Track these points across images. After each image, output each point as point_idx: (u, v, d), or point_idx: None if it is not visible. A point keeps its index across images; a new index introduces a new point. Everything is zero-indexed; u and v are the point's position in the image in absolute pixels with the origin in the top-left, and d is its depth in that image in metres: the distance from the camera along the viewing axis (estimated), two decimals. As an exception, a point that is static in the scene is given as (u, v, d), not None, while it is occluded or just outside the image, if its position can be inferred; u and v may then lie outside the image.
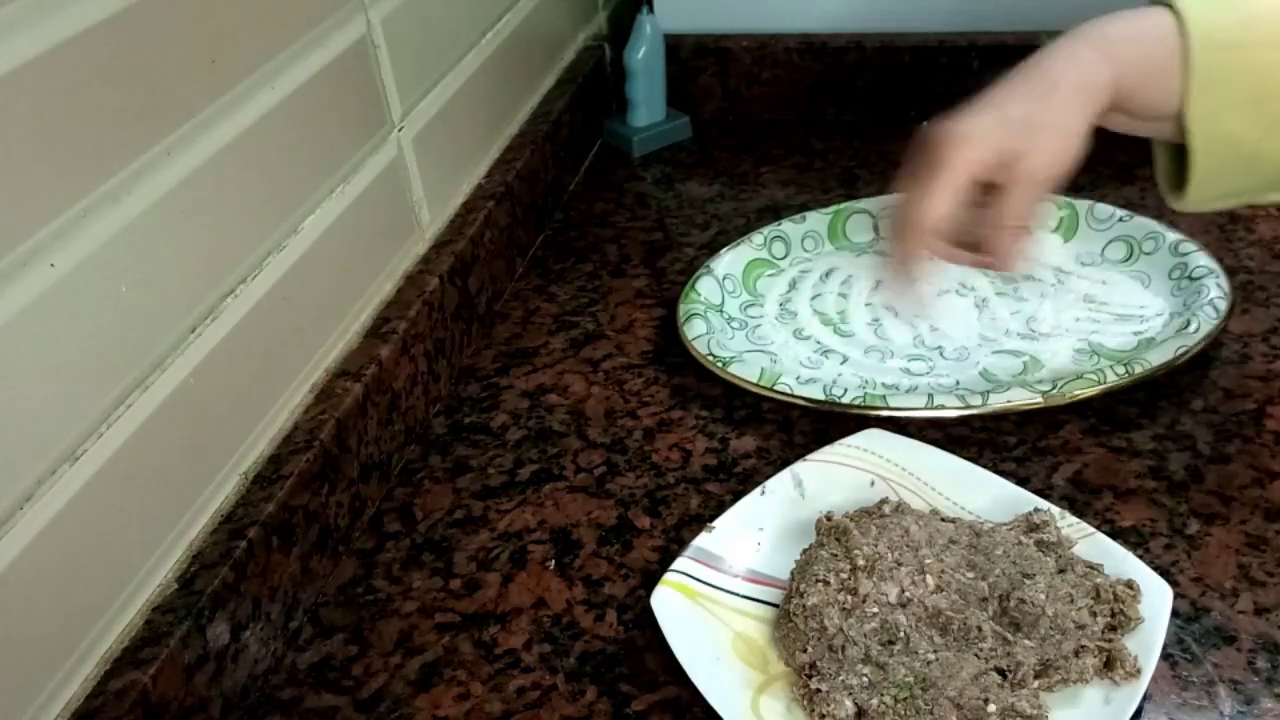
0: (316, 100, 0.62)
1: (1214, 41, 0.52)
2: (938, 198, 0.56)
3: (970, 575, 0.52)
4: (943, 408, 0.65)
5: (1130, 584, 0.52)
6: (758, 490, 0.60)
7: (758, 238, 0.85)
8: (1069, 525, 0.56)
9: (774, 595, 0.56)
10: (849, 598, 0.51)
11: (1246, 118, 0.53)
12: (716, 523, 0.58)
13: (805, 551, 0.55)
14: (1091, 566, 0.53)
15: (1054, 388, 0.66)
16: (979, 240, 0.59)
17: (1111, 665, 0.49)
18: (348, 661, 0.56)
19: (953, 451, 0.62)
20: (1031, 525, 0.55)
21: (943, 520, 0.56)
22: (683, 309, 0.77)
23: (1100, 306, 0.76)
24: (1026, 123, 0.55)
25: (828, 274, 0.83)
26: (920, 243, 0.58)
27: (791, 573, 0.54)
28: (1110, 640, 0.50)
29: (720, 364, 0.71)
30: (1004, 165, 0.55)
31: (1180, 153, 0.57)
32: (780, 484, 0.61)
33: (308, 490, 0.58)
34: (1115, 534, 0.56)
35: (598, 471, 0.67)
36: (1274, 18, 0.53)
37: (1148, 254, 0.79)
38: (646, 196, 0.99)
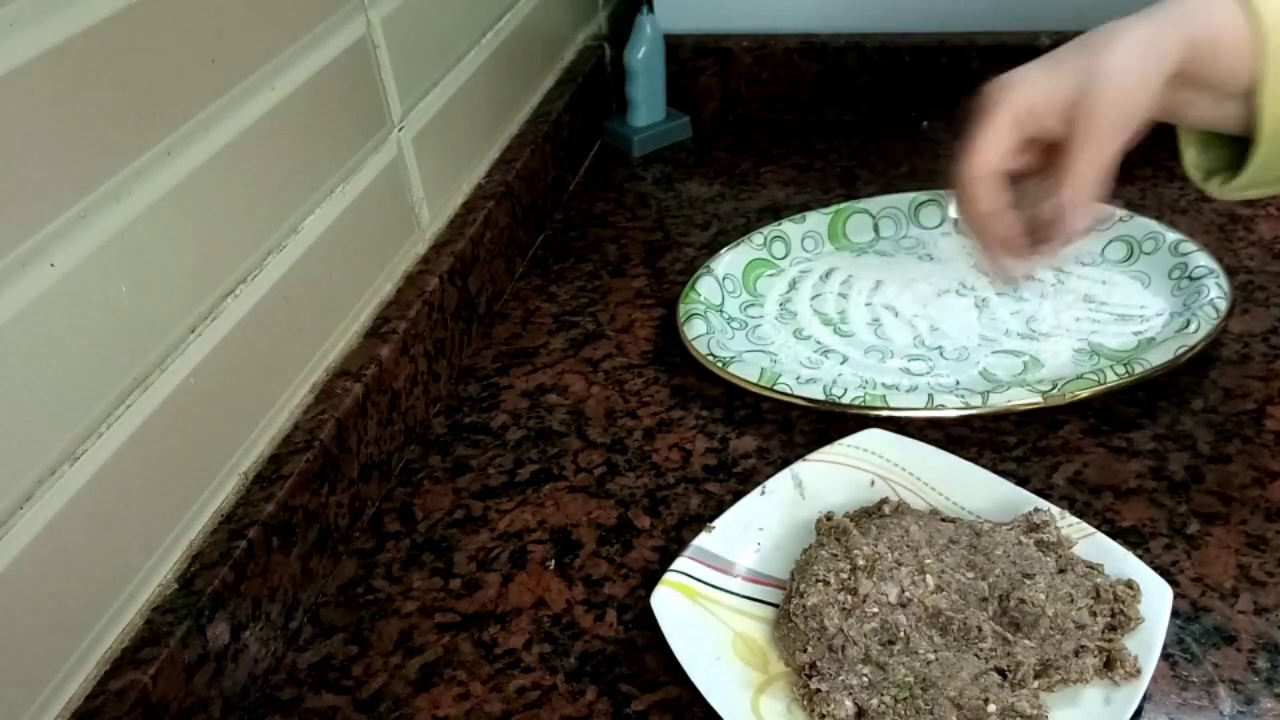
0: (316, 100, 0.62)
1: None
2: (986, 140, 0.52)
3: (970, 575, 0.52)
4: (943, 408, 0.66)
5: (1130, 584, 0.52)
6: (758, 490, 0.60)
7: (758, 238, 0.85)
8: (1069, 525, 0.56)
9: (774, 595, 0.56)
10: (849, 598, 0.51)
11: None
12: (716, 523, 0.58)
13: (805, 551, 0.55)
14: (1091, 566, 0.53)
15: (1054, 388, 0.66)
16: (1040, 225, 0.54)
17: (1111, 665, 0.49)
18: (348, 661, 0.56)
19: (953, 451, 0.62)
20: (1031, 525, 0.55)
21: (943, 520, 0.56)
22: (683, 309, 0.77)
23: (1100, 306, 0.76)
24: (1085, 69, 0.51)
25: (828, 274, 0.83)
26: (979, 198, 0.54)
27: (791, 573, 0.54)
28: (1110, 640, 0.50)
29: (720, 364, 0.71)
30: (1060, 112, 0.52)
31: (1222, 140, 0.56)
32: (780, 484, 0.61)
33: (308, 490, 0.58)
34: (1115, 534, 0.56)
35: (598, 471, 0.67)
36: None
37: (1148, 254, 0.79)
38: (646, 196, 0.99)
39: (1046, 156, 0.55)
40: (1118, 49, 0.51)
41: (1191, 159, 0.60)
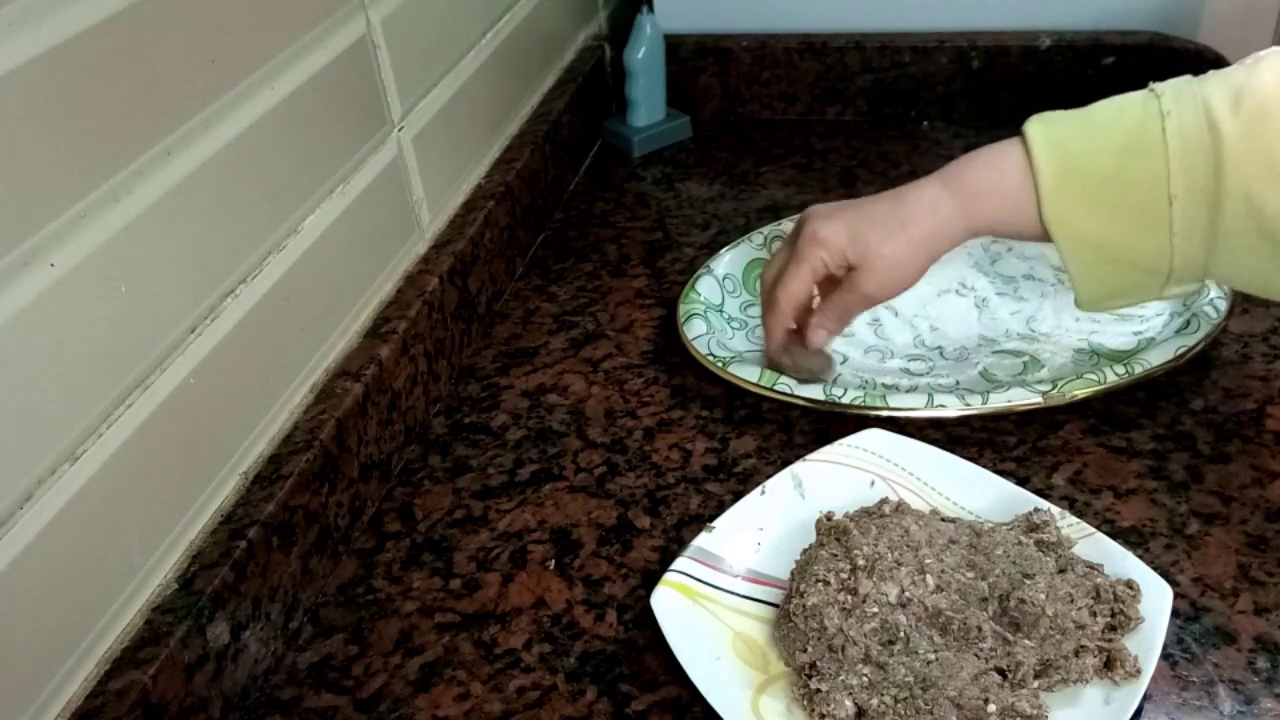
0: (316, 100, 0.62)
1: (1057, 153, 0.58)
2: (794, 284, 0.66)
3: (970, 575, 0.52)
4: (943, 408, 0.65)
5: (1130, 584, 0.52)
6: (758, 490, 0.60)
7: (758, 238, 0.85)
8: (1069, 525, 0.56)
9: (774, 595, 0.56)
10: (849, 598, 0.51)
11: (1101, 220, 0.58)
12: (716, 523, 0.58)
13: (805, 551, 0.55)
14: (1091, 566, 0.53)
15: (1054, 388, 0.66)
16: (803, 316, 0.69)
17: (1111, 665, 0.49)
18: (348, 661, 0.56)
19: (953, 451, 0.62)
20: (1031, 525, 0.55)
21: (943, 520, 0.56)
22: (683, 309, 0.77)
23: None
24: (871, 247, 0.63)
25: (828, 274, 0.83)
26: (778, 318, 0.68)
27: (791, 573, 0.54)
28: (1110, 640, 0.50)
29: (720, 364, 0.71)
30: (842, 268, 0.65)
31: None
32: (780, 484, 0.61)
33: (308, 490, 0.58)
34: (1115, 534, 0.56)
35: (598, 471, 0.67)
36: (1110, 127, 0.58)
37: (1148, 254, 0.78)
38: (646, 196, 0.99)
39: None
40: (899, 243, 0.63)
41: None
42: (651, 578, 0.57)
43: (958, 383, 0.70)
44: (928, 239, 0.63)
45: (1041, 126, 0.60)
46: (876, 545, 0.53)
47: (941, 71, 1.05)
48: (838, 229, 0.64)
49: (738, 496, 0.61)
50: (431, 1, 0.76)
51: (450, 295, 0.75)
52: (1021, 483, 0.60)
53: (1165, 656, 0.51)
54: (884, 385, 0.70)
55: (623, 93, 1.06)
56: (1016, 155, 0.60)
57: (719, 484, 0.65)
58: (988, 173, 0.61)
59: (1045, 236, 0.60)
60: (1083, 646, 0.49)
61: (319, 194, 0.63)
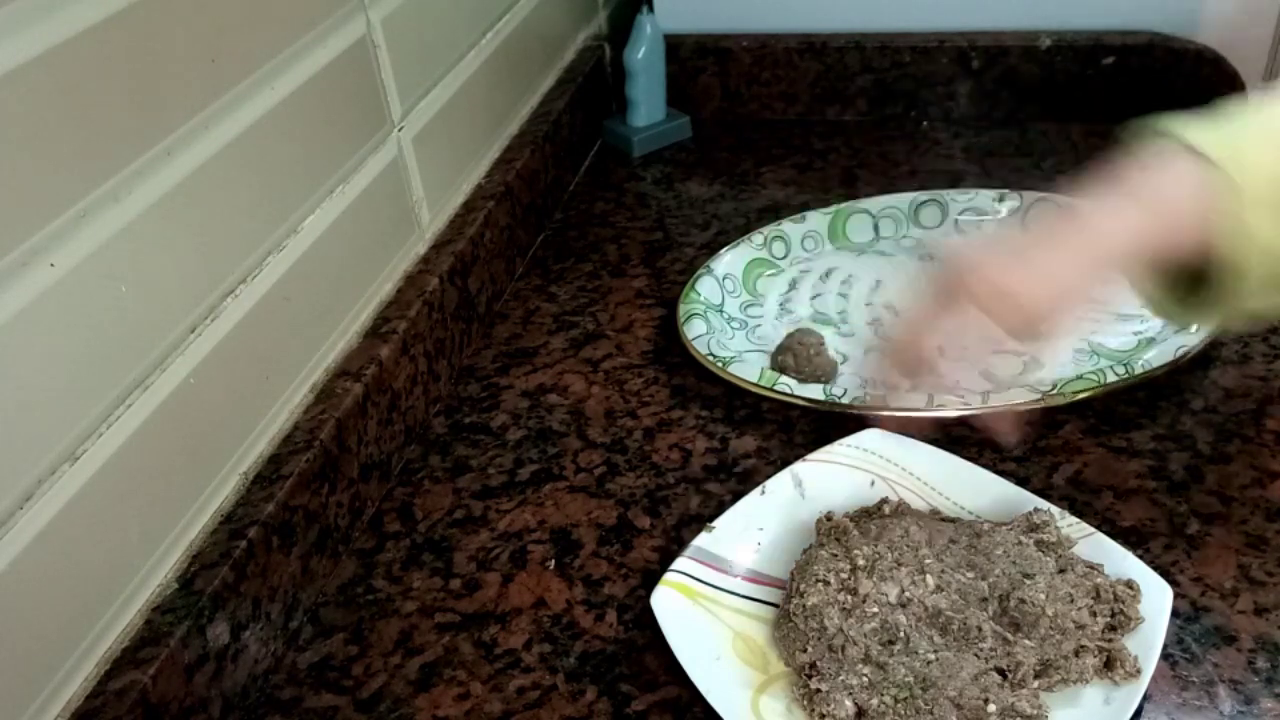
0: (316, 100, 0.62)
1: (1245, 163, 0.52)
2: (935, 333, 0.57)
3: (970, 575, 0.52)
4: (943, 408, 0.65)
5: (1130, 584, 0.52)
6: (758, 490, 0.60)
7: (758, 238, 0.85)
8: (1069, 525, 0.56)
9: (774, 595, 0.56)
10: (849, 598, 0.51)
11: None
12: (716, 523, 0.58)
13: (805, 551, 0.55)
14: (1091, 566, 0.53)
15: (1054, 388, 0.66)
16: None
17: (1111, 665, 0.49)
18: (348, 661, 0.56)
19: (953, 451, 0.62)
20: (1031, 525, 0.55)
21: (943, 520, 0.56)
22: (683, 309, 0.77)
23: (1100, 306, 0.76)
24: (1037, 273, 0.54)
25: (828, 274, 0.83)
26: (914, 370, 0.60)
27: (791, 573, 0.54)
28: (1110, 640, 0.50)
29: (720, 364, 0.71)
30: (998, 300, 0.55)
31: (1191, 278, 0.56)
32: (780, 484, 0.61)
33: (308, 490, 0.58)
34: (1115, 534, 0.56)
35: (598, 471, 0.67)
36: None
37: (1148, 254, 0.79)
38: (646, 196, 0.99)
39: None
40: (1067, 266, 0.53)
41: (1158, 299, 0.59)
42: (651, 578, 0.57)
43: (958, 383, 0.70)
44: (1095, 250, 0.54)
45: (1206, 134, 0.53)
46: (876, 545, 0.53)
47: (941, 71, 1.05)
48: (996, 267, 0.56)
49: (738, 496, 0.61)
50: (431, 1, 0.76)
51: (450, 295, 0.75)
52: (1021, 483, 0.60)
53: (1165, 656, 0.51)
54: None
55: (623, 93, 1.06)
56: (1184, 165, 0.53)
57: (719, 484, 0.65)
58: (1162, 181, 0.53)
59: (1200, 252, 0.53)
60: (1082, 646, 0.49)
61: (319, 194, 0.63)
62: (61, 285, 0.45)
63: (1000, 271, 0.55)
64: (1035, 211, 0.84)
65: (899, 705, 0.47)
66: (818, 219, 0.87)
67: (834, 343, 0.75)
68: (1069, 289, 0.54)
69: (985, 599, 0.51)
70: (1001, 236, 0.59)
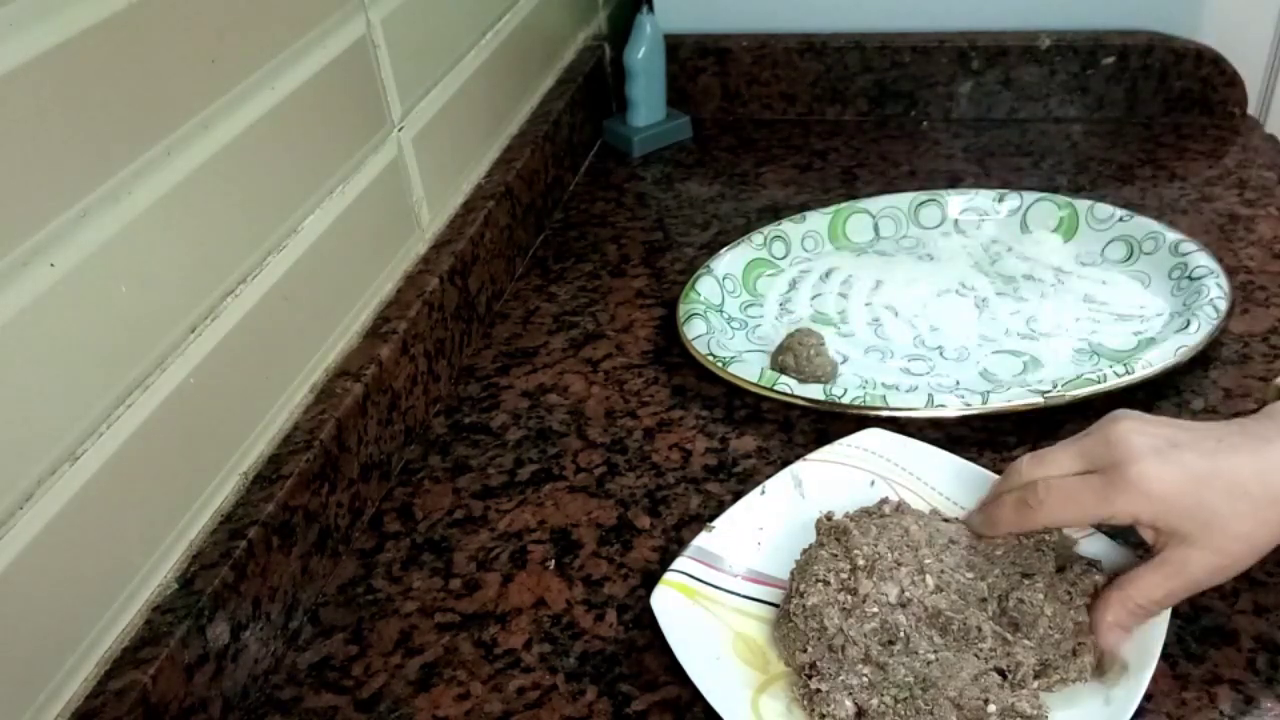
0: (316, 100, 0.62)
1: None
2: (1071, 516, 0.50)
3: (970, 575, 0.52)
4: (943, 408, 0.65)
5: (1130, 584, 0.52)
6: (758, 490, 0.60)
7: (758, 238, 0.85)
8: (1069, 525, 0.56)
9: (774, 595, 0.56)
10: (849, 598, 0.51)
11: None
12: (716, 523, 0.58)
13: (805, 551, 0.55)
14: (1091, 565, 0.53)
15: (1054, 388, 0.66)
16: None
17: (1111, 665, 0.49)
18: (348, 661, 0.56)
19: (953, 451, 0.62)
20: (1031, 525, 0.55)
21: (943, 520, 0.56)
22: (683, 309, 0.77)
23: (1100, 306, 0.76)
24: (1219, 521, 0.46)
25: (828, 274, 0.83)
26: (1024, 527, 0.52)
27: (791, 573, 0.54)
28: (1110, 640, 0.50)
29: (720, 364, 0.71)
30: (1153, 532, 0.48)
31: None
32: (780, 484, 0.61)
33: (308, 490, 0.58)
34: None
35: (598, 471, 0.67)
36: None
37: (1148, 254, 0.79)
38: (646, 196, 0.99)
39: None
40: (1259, 515, 0.46)
41: None
42: (651, 578, 0.57)
43: (958, 383, 0.70)
44: None
45: None
46: (876, 545, 0.53)
47: (941, 71, 1.05)
48: (1175, 480, 0.46)
49: (738, 496, 0.61)
50: (431, 1, 0.76)
51: (450, 295, 0.75)
52: (1021, 483, 0.60)
53: (1165, 656, 0.51)
54: (884, 385, 0.70)
55: (623, 93, 1.06)
56: None
57: (719, 484, 0.65)
58: None
59: None
60: (1082, 645, 0.49)
61: (319, 194, 0.63)
62: (61, 285, 0.45)
63: (1177, 512, 0.46)
64: (1035, 210, 0.85)
65: (899, 705, 0.47)
66: (818, 219, 0.87)
67: (834, 343, 0.76)
68: (1253, 559, 0.47)
69: (985, 599, 0.51)
70: (1186, 445, 0.47)
